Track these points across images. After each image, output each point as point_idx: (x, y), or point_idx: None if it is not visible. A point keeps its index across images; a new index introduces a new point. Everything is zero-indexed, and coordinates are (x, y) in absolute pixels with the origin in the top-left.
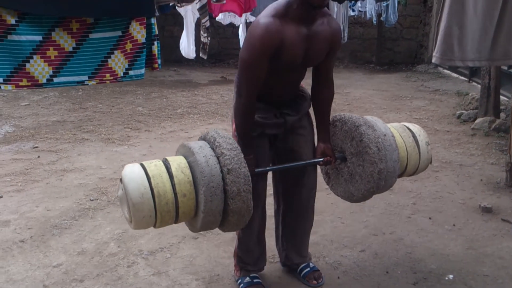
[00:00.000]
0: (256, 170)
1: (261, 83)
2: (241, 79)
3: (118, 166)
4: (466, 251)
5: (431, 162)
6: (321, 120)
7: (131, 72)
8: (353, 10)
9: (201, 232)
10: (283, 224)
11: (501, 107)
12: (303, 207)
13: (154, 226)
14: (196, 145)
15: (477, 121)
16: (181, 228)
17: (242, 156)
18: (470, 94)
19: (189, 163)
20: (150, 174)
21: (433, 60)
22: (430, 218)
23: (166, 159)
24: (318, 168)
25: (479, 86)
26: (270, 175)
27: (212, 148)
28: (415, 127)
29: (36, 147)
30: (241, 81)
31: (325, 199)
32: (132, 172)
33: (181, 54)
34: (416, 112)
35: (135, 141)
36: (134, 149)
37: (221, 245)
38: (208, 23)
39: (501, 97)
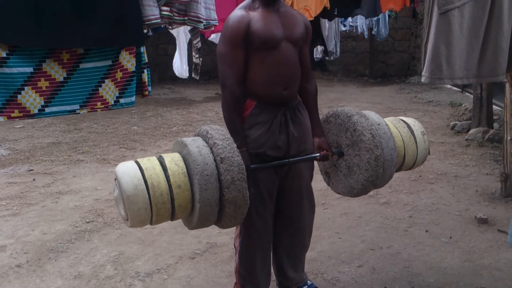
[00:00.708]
0: (252, 166)
1: (242, 69)
2: (222, 71)
3: (113, 187)
4: (463, 263)
5: (429, 153)
6: (311, 115)
7: (121, 100)
8: (344, 25)
9: (198, 252)
10: (279, 241)
11: (494, 117)
12: (300, 228)
13: (151, 222)
14: (189, 139)
15: (470, 131)
16: (178, 248)
17: (235, 146)
18: (463, 105)
19: (183, 156)
20: (143, 167)
21: (423, 80)
22: (427, 231)
23: (160, 155)
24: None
25: (472, 96)
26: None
27: (205, 140)
28: (409, 119)
29: (32, 169)
30: (222, 73)
31: (322, 215)
32: (125, 167)
33: (174, 71)
34: None
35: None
36: None
37: (218, 265)
38: (199, 44)
39: (494, 107)
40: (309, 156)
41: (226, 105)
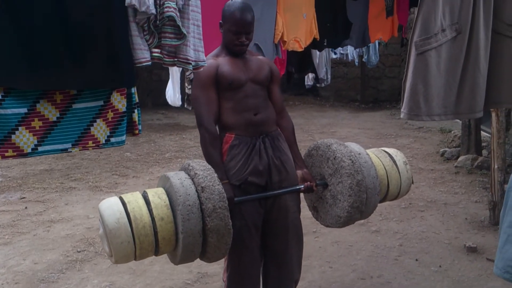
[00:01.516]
0: (236, 199)
1: (216, 107)
2: (197, 111)
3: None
4: None
5: (412, 182)
6: (291, 149)
7: (112, 139)
8: (335, 53)
9: (189, 282)
10: (267, 275)
11: (483, 144)
12: (287, 261)
13: (135, 257)
14: (172, 172)
15: (460, 158)
16: (169, 278)
17: (216, 176)
18: (452, 132)
19: (166, 189)
20: (126, 201)
21: (402, 116)
22: (416, 260)
23: (144, 190)
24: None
25: (461, 123)
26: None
27: (187, 173)
28: (390, 150)
29: (24, 197)
30: (198, 113)
31: (313, 243)
32: (108, 201)
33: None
34: (401, 150)
35: (122, 188)
36: None
37: None
38: (192, 75)
39: (483, 133)
40: (293, 188)
41: (203, 141)
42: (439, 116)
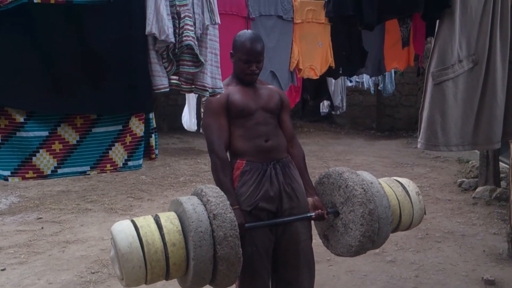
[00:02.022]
0: (246, 225)
1: (227, 134)
2: (208, 138)
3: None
4: None
5: (425, 213)
6: (302, 177)
7: (129, 163)
8: (351, 81)
9: None
10: None
11: (502, 175)
12: None
13: (146, 282)
14: (185, 197)
15: (478, 189)
16: None
17: (228, 203)
18: (470, 162)
19: (178, 214)
20: (139, 225)
21: (419, 146)
22: None
23: (156, 214)
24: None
25: (479, 153)
26: None
27: (200, 198)
28: (403, 179)
29: (40, 218)
30: (209, 140)
31: (327, 272)
32: (121, 225)
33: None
34: (417, 179)
35: (137, 210)
36: None
37: None
38: None
39: (502, 164)
40: (304, 215)
41: (214, 168)
42: (456, 146)
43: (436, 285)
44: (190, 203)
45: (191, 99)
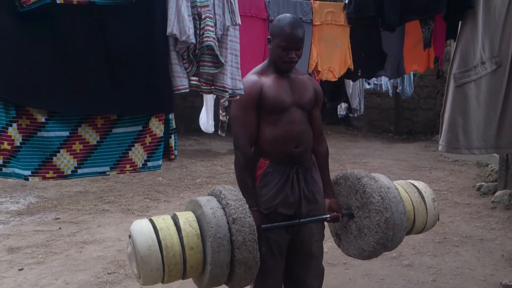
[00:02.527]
0: (262, 226)
1: (254, 131)
2: (235, 132)
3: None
4: None
5: (438, 219)
6: (322, 176)
7: (149, 164)
8: (369, 84)
9: None
10: None
11: None
12: None
13: (162, 281)
14: (204, 199)
15: (497, 193)
16: None
17: (247, 206)
18: (489, 166)
19: (197, 216)
20: (158, 227)
21: (440, 149)
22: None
23: (175, 214)
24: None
25: (498, 157)
26: None
27: (219, 201)
28: (420, 184)
29: (58, 218)
30: (236, 134)
31: (343, 275)
32: (140, 226)
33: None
34: (435, 183)
35: (154, 212)
36: None
37: None
38: (227, 103)
39: None
40: (320, 217)
41: (238, 165)
42: (478, 149)
43: None
44: (210, 206)
45: (208, 101)
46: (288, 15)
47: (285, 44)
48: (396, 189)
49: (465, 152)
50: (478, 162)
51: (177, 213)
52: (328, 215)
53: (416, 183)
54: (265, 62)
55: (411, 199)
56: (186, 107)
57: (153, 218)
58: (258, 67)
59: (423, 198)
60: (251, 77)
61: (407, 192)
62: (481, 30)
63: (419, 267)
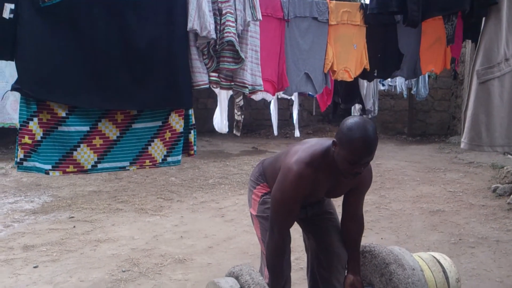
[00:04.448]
0: None
1: (294, 221)
2: (274, 217)
3: (150, 237)
4: None
5: None
6: (350, 252)
7: (169, 159)
8: (383, 85)
9: None
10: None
11: None
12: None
13: None
14: (227, 285)
15: None
16: None
17: None
18: (505, 168)
19: None
20: None
21: (462, 146)
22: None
23: None
24: None
25: None
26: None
27: (241, 286)
28: (446, 261)
29: (72, 217)
30: (274, 219)
31: None
32: None
33: (213, 125)
34: (450, 185)
35: (167, 211)
36: (166, 219)
37: None
38: (242, 102)
39: None
40: None
41: (273, 249)
42: (502, 147)
43: None
44: None
45: (222, 100)
46: (359, 121)
47: (355, 159)
48: (421, 271)
49: (488, 150)
50: (493, 164)
51: None
52: None
53: (442, 259)
54: (322, 153)
55: (435, 280)
56: (198, 109)
57: None
58: (315, 156)
59: (447, 278)
60: (306, 170)
61: (431, 272)
62: (505, 26)
63: None
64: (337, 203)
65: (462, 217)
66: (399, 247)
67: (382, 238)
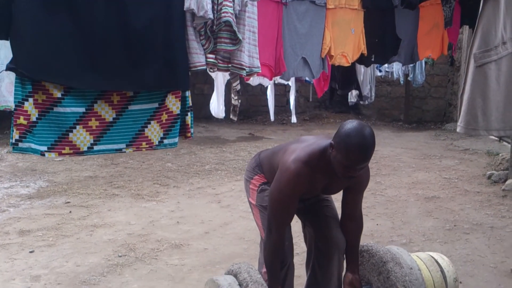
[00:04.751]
0: None
1: (291, 220)
2: (271, 216)
3: (146, 222)
4: None
5: None
6: (349, 251)
7: (165, 141)
8: (380, 71)
9: None
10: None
11: None
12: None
13: None
14: (225, 282)
15: (508, 182)
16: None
17: None
18: (500, 154)
19: None
20: None
21: (458, 130)
22: (460, 283)
23: None
24: None
25: (510, 146)
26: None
27: (240, 284)
28: (444, 261)
29: (68, 202)
30: (272, 218)
31: None
32: None
33: (210, 111)
34: (445, 171)
35: (163, 197)
36: (163, 205)
37: None
38: (239, 87)
39: None
40: None
41: (270, 247)
42: (497, 131)
43: (464, 276)
44: None
45: (219, 85)
46: (358, 127)
47: (350, 165)
48: (419, 270)
49: (484, 134)
50: (489, 151)
51: None
52: None
53: (440, 259)
54: (319, 153)
55: (433, 280)
56: (195, 94)
57: None
58: (312, 156)
59: (445, 278)
60: (304, 169)
61: (429, 271)
62: (503, 9)
63: None
64: (337, 203)
65: (457, 204)
66: (397, 247)
67: (377, 224)
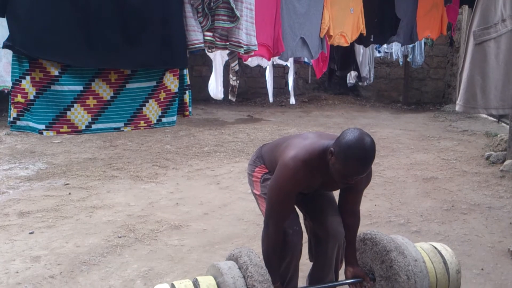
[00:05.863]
0: None
1: (288, 216)
2: (269, 212)
3: (145, 204)
4: None
5: None
6: (347, 245)
7: (163, 120)
8: (379, 52)
9: None
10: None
11: None
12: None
13: None
14: (225, 266)
15: (506, 162)
16: (206, 266)
17: (269, 277)
18: (499, 135)
19: (217, 283)
20: None
21: (457, 108)
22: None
23: (196, 279)
24: None
25: (508, 127)
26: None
27: (240, 268)
28: (447, 252)
29: (68, 184)
30: (269, 214)
31: None
32: None
33: (209, 93)
34: (444, 152)
35: (162, 178)
36: (162, 186)
37: None
38: (237, 67)
39: None
40: (348, 281)
41: (268, 241)
42: (496, 109)
43: (461, 255)
44: (231, 275)
45: (217, 66)
46: (360, 137)
47: (349, 175)
48: (423, 261)
49: (482, 112)
50: (487, 132)
51: (199, 278)
52: (356, 279)
53: (443, 250)
54: (319, 153)
55: (435, 271)
56: (193, 76)
57: (174, 283)
58: (312, 155)
59: (447, 269)
60: (303, 168)
61: (432, 263)
62: None
63: (426, 234)
64: (337, 197)
65: (455, 184)
66: (403, 237)
67: (376, 205)
